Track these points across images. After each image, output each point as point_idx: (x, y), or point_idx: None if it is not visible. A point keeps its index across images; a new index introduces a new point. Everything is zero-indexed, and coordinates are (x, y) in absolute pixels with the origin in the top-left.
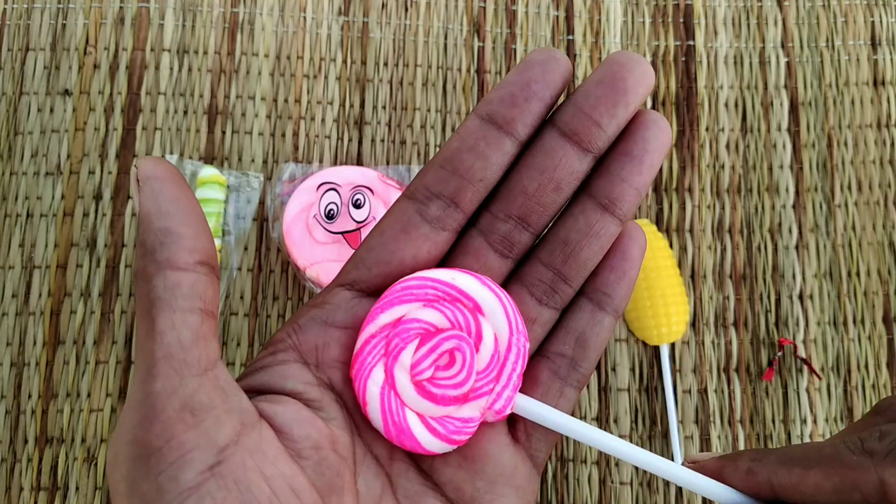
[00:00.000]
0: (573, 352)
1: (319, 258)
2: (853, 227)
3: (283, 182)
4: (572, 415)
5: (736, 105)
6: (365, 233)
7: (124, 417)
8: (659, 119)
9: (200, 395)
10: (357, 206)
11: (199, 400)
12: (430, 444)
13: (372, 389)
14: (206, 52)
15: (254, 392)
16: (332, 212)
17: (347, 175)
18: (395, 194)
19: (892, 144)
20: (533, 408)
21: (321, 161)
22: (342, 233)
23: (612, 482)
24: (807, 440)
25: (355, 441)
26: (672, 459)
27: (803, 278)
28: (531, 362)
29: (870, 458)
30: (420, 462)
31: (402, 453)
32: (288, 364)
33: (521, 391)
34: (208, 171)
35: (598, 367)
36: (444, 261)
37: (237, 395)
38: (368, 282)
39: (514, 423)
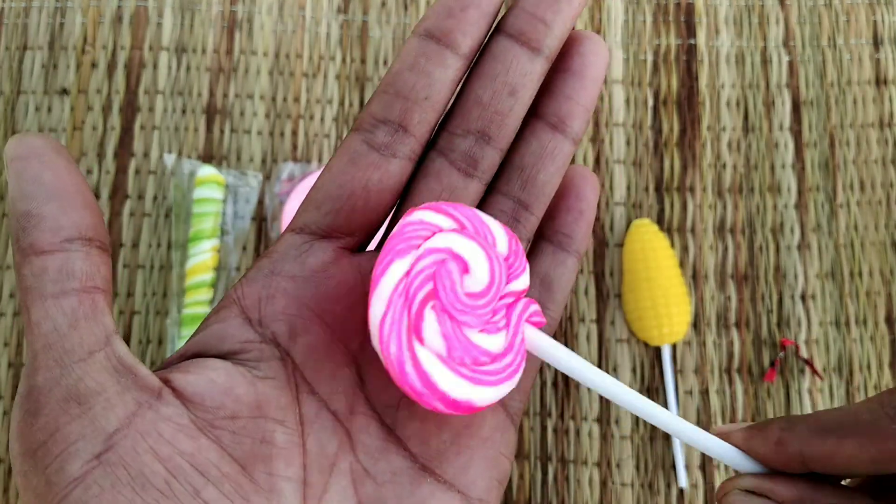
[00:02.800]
0: (539, 294)
1: None
2: (855, 227)
3: (281, 181)
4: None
5: (738, 104)
6: None
7: (13, 413)
8: (592, 35)
9: (87, 381)
10: None
11: (85, 387)
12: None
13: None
14: (204, 51)
15: (190, 357)
16: None
17: None
18: None
19: (895, 143)
20: (543, 343)
21: (320, 160)
22: None
23: (613, 483)
24: None
25: (303, 399)
26: (673, 460)
27: (805, 278)
28: None
29: None
30: (384, 416)
31: (363, 406)
32: (228, 322)
33: None
34: (207, 171)
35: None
36: (407, 188)
37: (133, 374)
38: (319, 222)
39: None
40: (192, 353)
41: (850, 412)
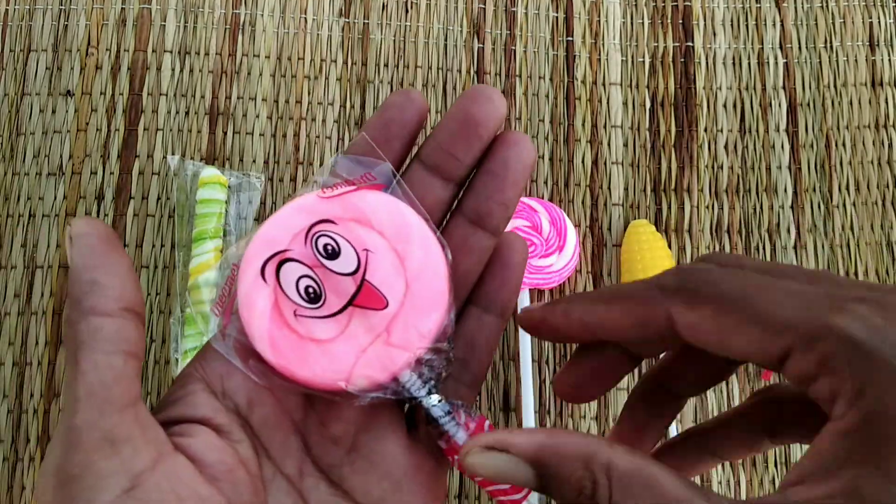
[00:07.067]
0: (464, 354)
1: (348, 360)
2: (851, 228)
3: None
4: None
5: (734, 106)
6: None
7: (49, 450)
8: (520, 139)
9: (120, 429)
10: (331, 255)
11: (118, 433)
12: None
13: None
14: (207, 54)
15: (169, 423)
16: (312, 292)
17: (285, 227)
18: (365, 196)
19: (890, 145)
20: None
21: (322, 162)
22: (346, 306)
23: None
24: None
25: (262, 462)
26: None
27: None
28: None
29: (660, 293)
30: (329, 474)
31: (311, 468)
32: (197, 394)
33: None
34: (210, 172)
35: None
36: None
37: (155, 430)
38: None
39: (415, 425)
40: (171, 421)
41: (622, 286)
